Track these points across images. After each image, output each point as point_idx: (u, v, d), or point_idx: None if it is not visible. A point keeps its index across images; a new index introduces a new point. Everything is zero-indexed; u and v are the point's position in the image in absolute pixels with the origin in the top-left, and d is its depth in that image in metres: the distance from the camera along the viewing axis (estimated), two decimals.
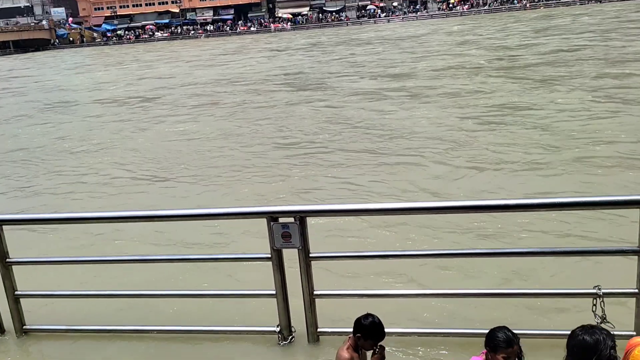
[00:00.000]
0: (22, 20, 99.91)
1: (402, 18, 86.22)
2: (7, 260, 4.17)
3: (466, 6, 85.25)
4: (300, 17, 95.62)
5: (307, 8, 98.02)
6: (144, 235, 6.51)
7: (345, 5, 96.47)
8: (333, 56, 33.64)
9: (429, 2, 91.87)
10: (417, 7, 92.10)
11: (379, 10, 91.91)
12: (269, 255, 3.94)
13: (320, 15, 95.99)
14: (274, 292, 4.01)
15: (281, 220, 3.85)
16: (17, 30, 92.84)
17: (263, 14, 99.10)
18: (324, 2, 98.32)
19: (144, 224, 5.75)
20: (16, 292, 4.26)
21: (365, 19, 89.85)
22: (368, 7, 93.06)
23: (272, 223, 3.84)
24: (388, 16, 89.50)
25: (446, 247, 5.53)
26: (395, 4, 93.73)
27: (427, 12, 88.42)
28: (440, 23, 63.01)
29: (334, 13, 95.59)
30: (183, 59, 42.91)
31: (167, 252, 5.53)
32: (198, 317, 4.37)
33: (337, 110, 15.65)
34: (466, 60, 24.49)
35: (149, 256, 4.37)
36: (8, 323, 4.36)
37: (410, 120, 13.30)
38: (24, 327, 4.35)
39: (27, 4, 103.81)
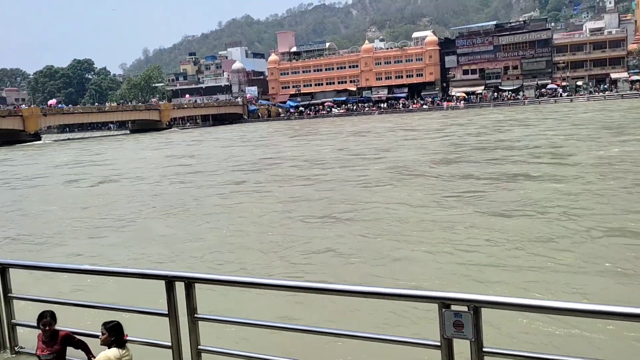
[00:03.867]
0: (222, 97, 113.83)
1: (587, 98, 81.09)
2: (195, 315, 4.57)
3: None
4: (473, 96, 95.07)
5: (482, 87, 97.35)
6: (313, 303, 6.73)
7: (523, 85, 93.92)
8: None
9: (619, 80, 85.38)
10: (605, 86, 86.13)
11: (561, 89, 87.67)
12: (438, 343, 3.78)
13: (496, 94, 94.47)
14: None
15: (454, 307, 3.70)
16: (216, 106, 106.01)
17: (436, 92, 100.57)
18: (500, 81, 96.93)
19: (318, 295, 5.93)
20: (199, 347, 4.63)
21: (545, 98, 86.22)
22: (549, 86, 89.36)
23: (443, 310, 3.71)
24: (571, 95, 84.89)
25: None
26: (579, 82, 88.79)
27: (616, 91, 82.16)
28: (635, 103, 57.69)
29: (510, 92, 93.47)
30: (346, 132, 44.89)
31: (331, 325, 5.58)
32: None
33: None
34: None
35: (319, 328, 4.46)
36: None
37: None
38: None
39: (227, 83, 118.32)
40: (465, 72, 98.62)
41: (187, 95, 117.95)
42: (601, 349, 5.58)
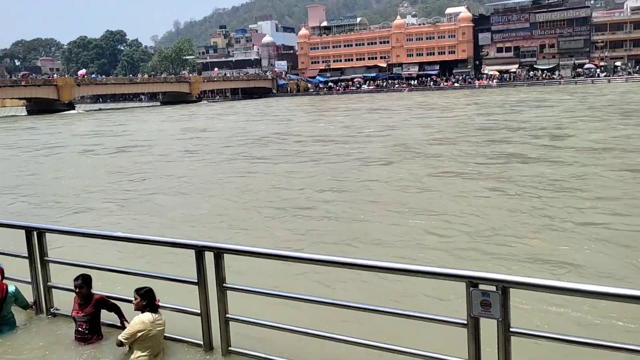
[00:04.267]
0: (251, 70, 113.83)
1: (626, 79, 78.61)
2: (224, 285, 4.67)
3: None
4: (507, 74, 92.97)
5: (517, 65, 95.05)
6: (339, 277, 6.80)
7: (559, 64, 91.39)
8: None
9: None
10: None
11: (598, 70, 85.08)
12: (465, 322, 3.79)
13: (531, 73, 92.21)
14: None
15: (481, 287, 3.68)
16: (245, 79, 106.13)
17: (469, 70, 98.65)
18: (535, 59, 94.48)
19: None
20: (227, 315, 4.73)
21: (581, 78, 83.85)
22: (586, 66, 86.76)
23: (471, 289, 3.70)
24: (609, 76, 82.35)
25: None
26: (618, 63, 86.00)
27: None
28: None
29: (545, 71, 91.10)
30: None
31: (359, 300, 5.61)
32: None
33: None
34: None
35: (344, 301, 4.50)
36: (217, 342, 4.83)
37: None
38: (230, 347, 4.79)
39: (257, 57, 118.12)
40: (500, 50, 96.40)
41: (216, 69, 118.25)
42: (634, 334, 5.50)
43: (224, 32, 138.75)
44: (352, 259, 4.30)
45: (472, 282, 3.71)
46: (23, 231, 5.76)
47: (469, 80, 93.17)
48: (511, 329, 3.65)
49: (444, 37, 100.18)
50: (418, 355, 4.16)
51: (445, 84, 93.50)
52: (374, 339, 4.28)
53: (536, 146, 20.48)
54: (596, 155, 17.68)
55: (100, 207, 13.65)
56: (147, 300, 4.75)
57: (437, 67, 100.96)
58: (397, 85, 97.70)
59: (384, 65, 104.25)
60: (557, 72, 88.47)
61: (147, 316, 4.67)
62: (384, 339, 4.31)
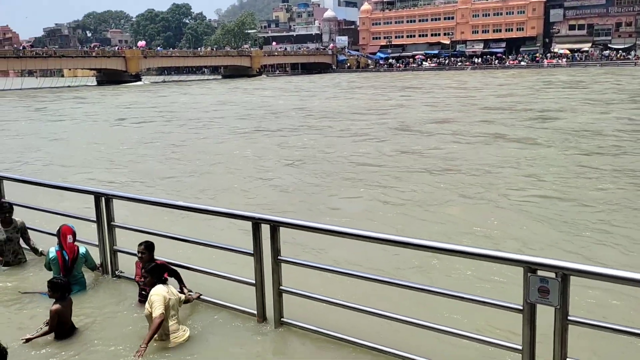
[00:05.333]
0: (312, 45, 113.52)
1: None
2: (279, 257, 4.76)
3: None
4: (579, 53, 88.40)
5: (589, 44, 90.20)
6: (393, 255, 6.80)
7: (635, 43, 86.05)
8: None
9: None
10: None
11: None
12: (521, 307, 3.71)
13: (604, 52, 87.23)
14: (519, 347, 3.76)
15: (540, 273, 3.59)
16: (305, 54, 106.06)
17: (537, 48, 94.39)
18: (609, 38, 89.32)
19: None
20: (280, 287, 4.83)
21: None
22: None
23: (529, 274, 3.61)
24: None
25: None
26: None
27: None
28: None
29: (620, 51, 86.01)
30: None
31: (409, 278, 5.61)
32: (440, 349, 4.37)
33: None
34: None
35: (397, 280, 4.50)
36: (269, 313, 4.96)
37: None
38: (282, 319, 4.91)
39: (318, 32, 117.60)
40: (572, 28, 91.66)
41: (274, 43, 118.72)
42: None
43: (286, 6, 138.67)
44: (406, 238, 4.28)
45: (531, 268, 3.62)
46: (92, 196, 6.07)
47: (537, 59, 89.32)
48: (569, 318, 3.54)
49: (513, 13, 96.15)
50: (470, 337, 4.13)
51: (511, 62, 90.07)
52: (424, 318, 4.28)
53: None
54: None
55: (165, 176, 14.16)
56: (155, 275, 4.96)
57: (504, 44, 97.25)
58: (459, 64, 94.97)
59: (447, 42, 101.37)
60: (632, 52, 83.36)
61: (161, 287, 4.87)
62: (434, 319, 4.30)
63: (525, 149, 16.27)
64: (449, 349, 4.53)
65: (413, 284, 4.36)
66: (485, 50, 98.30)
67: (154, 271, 4.97)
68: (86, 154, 18.41)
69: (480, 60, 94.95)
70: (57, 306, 4.87)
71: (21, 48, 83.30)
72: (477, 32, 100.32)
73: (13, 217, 6.79)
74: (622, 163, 13.83)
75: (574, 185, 11.62)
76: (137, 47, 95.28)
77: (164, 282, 4.98)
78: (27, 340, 4.80)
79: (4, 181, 7.52)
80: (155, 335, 4.62)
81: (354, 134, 21.20)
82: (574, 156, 15.00)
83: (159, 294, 4.74)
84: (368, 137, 20.20)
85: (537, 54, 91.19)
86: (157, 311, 4.60)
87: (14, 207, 6.88)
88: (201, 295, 5.49)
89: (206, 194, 12.00)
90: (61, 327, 4.91)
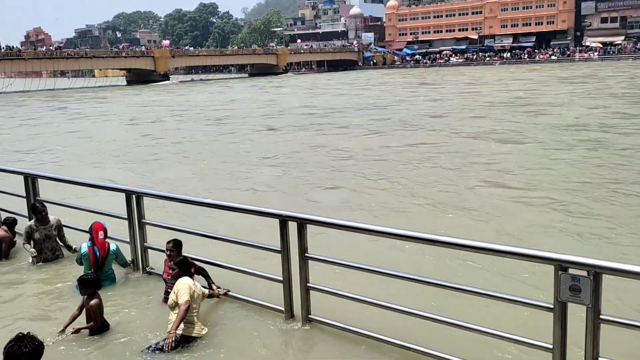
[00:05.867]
0: (337, 42, 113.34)
1: None
2: (306, 254, 4.78)
3: None
4: (611, 47, 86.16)
5: (622, 37, 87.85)
6: (419, 253, 6.76)
7: None
8: None
9: None
10: None
11: None
12: (552, 306, 3.66)
13: (638, 45, 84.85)
14: (550, 346, 3.70)
15: (571, 271, 3.53)
16: (331, 52, 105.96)
17: (568, 42, 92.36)
18: None
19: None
20: (308, 284, 4.86)
21: None
22: None
23: (560, 272, 3.55)
24: None
25: None
26: None
27: None
28: None
29: None
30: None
31: (446, 278, 5.56)
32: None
33: None
34: None
35: (426, 278, 4.47)
36: (297, 309, 4.99)
37: None
38: (309, 315, 4.93)
39: (344, 29, 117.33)
40: (604, 20, 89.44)
41: (299, 40, 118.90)
42: None
43: (311, 4, 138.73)
44: (433, 236, 4.25)
45: (562, 266, 3.56)
46: (123, 194, 6.19)
47: (568, 52, 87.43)
48: (601, 317, 3.48)
49: (543, 6, 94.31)
50: (499, 336, 4.08)
51: (541, 56, 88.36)
52: (451, 316, 4.24)
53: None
54: None
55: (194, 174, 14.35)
56: (182, 268, 5.08)
57: (533, 38, 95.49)
58: (487, 59, 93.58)
59: (475, 37, 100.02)
60: None
61: (187, 279, 5.01)
62: (461, 317, 4.26)
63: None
64: (477, 347, 4.48)
65: (441, 282, 4.33)
66: (515, 44, 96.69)
67: (182, 264, 5.09)
68: (87, 150, 19.30)
69: (509, 55, 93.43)
70: (96, 301, 4.99)
71: (53, 49, 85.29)
72: (506, 27, 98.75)
73: (49, 214, 6.98)
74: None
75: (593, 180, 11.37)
76: (163, 46, 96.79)
77: (191, 275, 5.09)
78: (74, 331, 4.94)
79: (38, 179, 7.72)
80: (182, 326, 4.70)
81: (354, 130, 21.55)
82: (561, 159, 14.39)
83: (185, 283, 4.88)
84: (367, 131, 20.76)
85: (570, 48, 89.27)
86: (184, 298, 4.72)
87: (49, 205, 7.08)
88: (229, 291, 5.55)
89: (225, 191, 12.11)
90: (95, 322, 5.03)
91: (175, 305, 4.77)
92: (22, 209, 7.84)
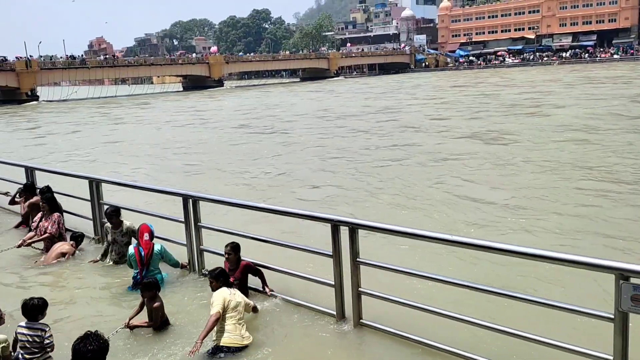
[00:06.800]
0: (389, 45, 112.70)
1: None
2: (357, 259, 4.81)
3: None
4: None
5: None
6: (471, 259, 6.65)
7: None
8: None
9: None
10: None
11: None
12: (612, 316, 3.54)
13: None
14: (610, 357, 3.58)
15: (633, 280, 3.41)
16: (383, 55, 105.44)
17: (632, 40, 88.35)
18: None
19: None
20: (359, 289, 4.88)
21: None
22: None
23: (621, 282, 3.44)
24: None
25: None
26: None
27: None
28: None
29: None
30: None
31: (500, 284, 5.45)
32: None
33: None
34: None
35: (481, 285, 4.40)
36: (348, 313, 5.03)
37: None
38: (361, 320, 4.96)
39: (395, 32, 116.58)
40: None
41: (349, 44, 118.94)
42: None
43: (363, 7, 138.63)
44: (488, 242, 4.19)
45: (623, 275, 3.45)
46: (181, 198, 6.40)
47: (631, 51, 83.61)
48: None
49: (604, 3, 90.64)
50: (557, 346, 3.97)
51: (603, 55, 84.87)
52: (505, 324, 4.17)
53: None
54: None
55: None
56: (220, 280, 5.13)
57: (594, 37, 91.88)
58: (545, 59, 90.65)
59: (532, 36, 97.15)
60: None
61: (224, 289, 5.03)
62: (513, 324, 4.17)
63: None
64: (531, 357, 4.38)
65: (494, 289, 4.26)
66: (574, 43, 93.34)
67: (219, 276, 5.16)
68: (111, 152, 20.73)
69: (568, 54, 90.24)
70: (158, 303, 5.20)
71: (114, 57, 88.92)
72: (565, 25, 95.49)
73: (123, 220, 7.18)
74: None
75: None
76: (211, 52, 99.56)
77: (229, 286, 5.15)
78: (131, 326, 5.16)
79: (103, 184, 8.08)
80: (214, 335, 4.77)
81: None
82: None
83: (220, 294, 4.94)
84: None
85: (633, 47, 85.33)
86: (214, 309, 4.79)
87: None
88: (272, 291, 5.73)
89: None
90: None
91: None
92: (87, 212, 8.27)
